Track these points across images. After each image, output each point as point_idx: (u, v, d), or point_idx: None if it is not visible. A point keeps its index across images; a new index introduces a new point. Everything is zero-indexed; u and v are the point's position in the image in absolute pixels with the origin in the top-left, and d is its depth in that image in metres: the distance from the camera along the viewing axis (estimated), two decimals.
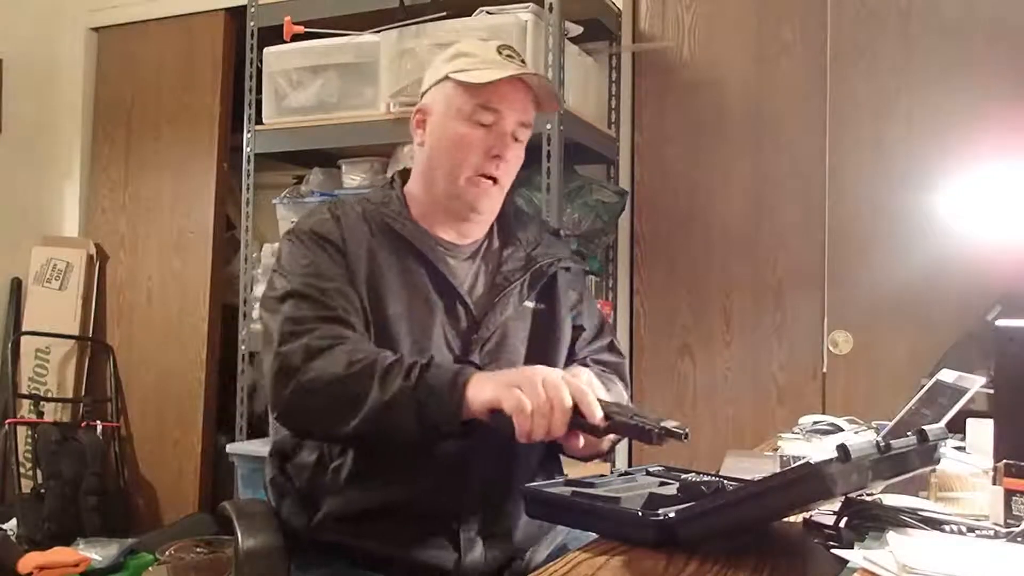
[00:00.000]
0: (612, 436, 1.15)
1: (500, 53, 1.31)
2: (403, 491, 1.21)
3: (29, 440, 3.21)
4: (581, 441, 1.10)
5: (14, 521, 3.04)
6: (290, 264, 1.27)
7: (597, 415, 1.05)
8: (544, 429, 1.04)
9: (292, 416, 1.21)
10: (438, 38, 2.34)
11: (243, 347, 2.71)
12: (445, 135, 1.31)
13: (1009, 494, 0.91)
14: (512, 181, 1.36)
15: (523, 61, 1.33)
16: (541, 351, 1.33)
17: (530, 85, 1.31)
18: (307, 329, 1.18)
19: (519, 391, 1.04)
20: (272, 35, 2.63)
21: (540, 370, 1.08)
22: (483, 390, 1.08)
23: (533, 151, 2.28)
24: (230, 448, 2.57)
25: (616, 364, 1.41)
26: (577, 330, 1.40)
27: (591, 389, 1.08)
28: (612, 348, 1.44)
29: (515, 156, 1.33)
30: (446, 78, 1.32)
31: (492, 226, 1.41)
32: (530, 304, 1.34)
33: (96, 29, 3.64)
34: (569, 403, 1.04)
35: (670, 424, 1.02)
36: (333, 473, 1.23)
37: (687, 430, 1.03)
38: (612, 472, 1.18)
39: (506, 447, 1.23)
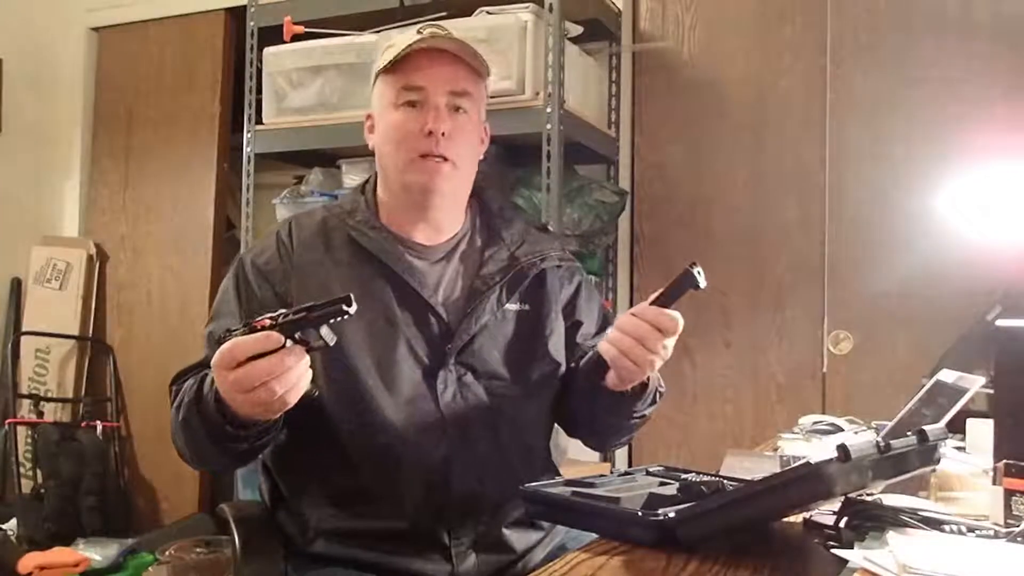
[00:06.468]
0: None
1: (421, 32, 1.27)
2: (389, 511, 1.20)
3: (29, 440, 3.22)
4: None
5: (14, 521, 3.04)
6: (221, 304, 1.28)
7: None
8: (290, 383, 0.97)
9: (187, 461, 1.21)
10: None
11: None
12: (384, 127, 1.29)
13: (1009, 494, 0.91)
14: (470, 159, 1.31)
15: (449, 34, 1.28)
16: (522, 353, 1.29)
17: (456, 53, 1.25)
18: (185, 380, 1.18)
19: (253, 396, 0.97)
20: (272, 35, 2.63)
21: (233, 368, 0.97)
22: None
23: (533, 151, 2.30)
24: None
25: None
26: (576, 326, 1.37)
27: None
28: None
29: (460, 129, 1.26)
30: (376, 77, 1.32)
31: (474, 223, 1.37)
32: (512, 307, 1.29)
33: (96, 29, 3.64)
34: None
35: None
36: (318, 490, 1.23)
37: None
38: (612, 472, 1.18)
39: (488, 455, 1.24)
